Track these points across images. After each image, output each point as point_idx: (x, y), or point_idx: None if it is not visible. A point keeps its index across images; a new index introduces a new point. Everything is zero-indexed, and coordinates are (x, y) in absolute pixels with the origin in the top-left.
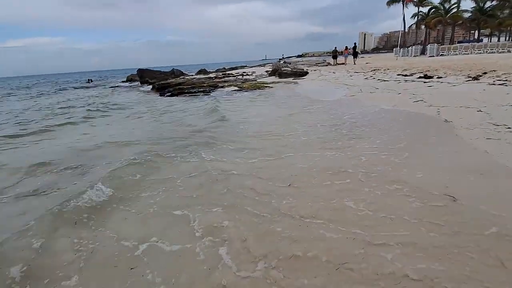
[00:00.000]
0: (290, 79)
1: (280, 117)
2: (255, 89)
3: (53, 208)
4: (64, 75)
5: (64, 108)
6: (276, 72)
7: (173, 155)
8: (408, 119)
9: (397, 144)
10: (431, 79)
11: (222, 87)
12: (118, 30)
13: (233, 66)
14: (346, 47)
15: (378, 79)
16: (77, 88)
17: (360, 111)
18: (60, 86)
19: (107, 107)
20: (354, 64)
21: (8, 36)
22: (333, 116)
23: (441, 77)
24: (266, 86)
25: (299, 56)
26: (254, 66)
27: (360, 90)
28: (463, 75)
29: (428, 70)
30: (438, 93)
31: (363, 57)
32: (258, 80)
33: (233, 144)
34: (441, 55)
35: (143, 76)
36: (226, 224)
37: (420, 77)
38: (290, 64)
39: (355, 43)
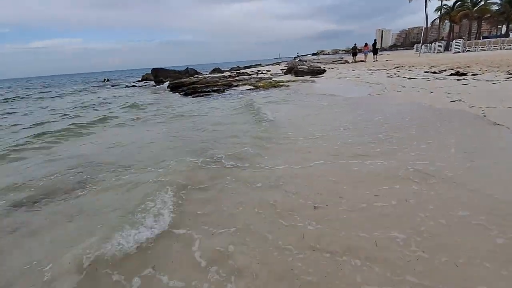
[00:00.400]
0: (307, 78)
1: (300, 117)
2: (270, 88)
3: None
4: (82, 74)
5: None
6: (292, 70)
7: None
8: (450, 120)
9: (449, 150)
10: (464, 76)
11: (236, 86)
12: (134, 30)
13: (247, 65)
14: (366, 44)
15: (404, 77)
16: (101, 87)
17: (391, 111)
18: (85, 85)
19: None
20: (375, 61)
21: (33, 37)
22: (361, 117)
23: (476, 74)
24: (282, 85)
25: (314, 54)
26: (269, 65)
27: (385, 88)
28: (502, 72)
29: (459, 67)
30: (478, 92)
31: (381, 54)
32: (273, 79)
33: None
34: (467, 51)
35: (158, 75)
36: (232, 250)
37: (451, 74)
38: (306, 62)
39: (375, 40)
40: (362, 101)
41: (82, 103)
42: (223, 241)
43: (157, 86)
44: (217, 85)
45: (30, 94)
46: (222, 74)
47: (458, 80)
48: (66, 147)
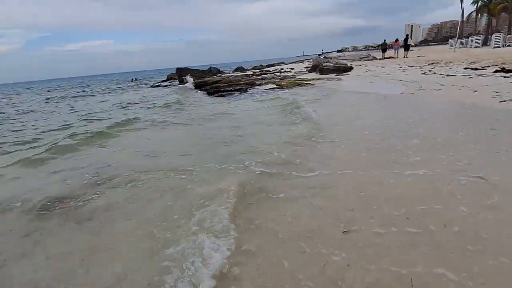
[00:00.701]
0: (333, 75)
1: (327, 117)
2: (294, 87)
3: None
4: (114, 75)
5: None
6: (317, 68)
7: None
8: (504, 122)
9: (506, 158)
10: None
11: (259, 84)
12: (160, 31)
13: (270, 63)
14: (397, 39)
15: (441, 74)
16: (132, 87)
17: (429, 111)
18: (119, 85)
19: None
20: (405, 57)
21: (69, 40)
22: (394, 118)
23: None
24: (306, 83)
25: (339, 51)
26: (292, 63)
27: (421, 86)
28: None
29: (503, 63)
30: None
31: (412, 50)
32: (297, 77)
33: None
34: (508, 45)
35: (182, 75)
36: (238, 273)
37: (497, 71)
38: (331, 59)
39: (407, 35)
40: (395, 100)
41: (120, 102)
42: (229, 260)
43: (181, 85)
44: (240, 84)
45: (75, 94)
46: (245, 73)
47: (505, 77)
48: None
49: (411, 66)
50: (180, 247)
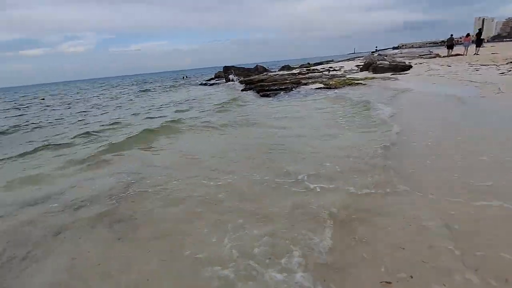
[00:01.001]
0: (388, 74)
1: (381, 125)
2: (344, 86)
3: None
4: (168, 72)
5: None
6: (370, 66)
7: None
8: None
9: None
10: None
11: (305, 84)
12: (211, 31)
13: (318, 62)
14: (468, 34)
15: None
16: (186, 85)
17: None
18: (178, 82)
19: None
20: (475, 54)
21: (131, 41)
22: (472, 132)
23: None
24: (357, 83)
25: (395, 48)
26: (342, 61)
27: (499, 89)
28: None
29: None
30: None
31: (483, 47)
32: (347, 76)
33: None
34: None
35: (228, 73)
36: None
37: None
38: (386, 56)
39: (479, 29)
40: (468, 107)
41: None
42: None
43: (227, 83)
44: (285, 83)
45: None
46: (291, 72)
47: None
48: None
49: (484, 65)
50: None
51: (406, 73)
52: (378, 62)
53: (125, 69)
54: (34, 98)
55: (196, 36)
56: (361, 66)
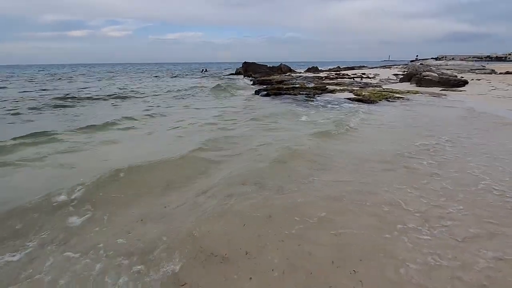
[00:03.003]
0: (437, 90)
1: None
2: (380, 100)
3: None
4: (201, 64)
5: None
6: (412, 77)
7: None
8: None
9: None
10: None
11: (332, 91)
12: (246, 27)
13: (349, 66)
14: None
15: None
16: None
17: None
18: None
19: None
20: None
21: (168, 31)
22: None
23: None
24: (398, 97)
25: (435, 59)
26: (376, 68)
27: None
28: None
29: None
30: None
31: None
32: (384, 87)
33: None
34: None
35: (248, 70)
36: None
37: None
38: (431, 67)
39: None
40: None
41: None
42: None
43: (245, 80)
44: (307, 88)
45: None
46: (318, 74)
47: None
48: None
49: None
50: None
51: (462, 91)
52: (424, 74)
53: (159, 57)
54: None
55: (231, 31)
56: (401, 76)
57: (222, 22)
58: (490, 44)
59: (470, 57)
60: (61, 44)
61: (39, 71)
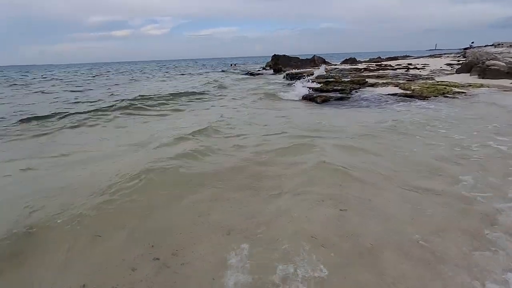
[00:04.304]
0: (507, 82)
1: None
2: (436, 96)
3: None
4: (236, 58)
5: None
6: (473, 67)
7: None
8: None
9: None
10: None
11: (373, 85)
12: (279, 19)
13: (392, 57)
14: None
15: None
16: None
17: None
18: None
19: None
20: None
21: (201, 26)
22: None
23: None
24: (458, 92)
25: (494, 45)
26: (423, 57)
27: None
28: None
29: None
30: None
31: None
32: (437, 79)
33: None
34: None
35: (277, 63)
36: None
37: None
38: (495, 55)
39: None
40: None
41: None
42: None
43: (274, 76)
44: (342, 82)
45: None
46: (356, 66)
47: None
48: None
49: None
50: None
51: None
52: (488, 63)
53: (196, 53)
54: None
55: (264, 24)
56: (457, 67)
57: (254, 16)
58: None
59: None
60: (105, 44)
61: (90, 68)
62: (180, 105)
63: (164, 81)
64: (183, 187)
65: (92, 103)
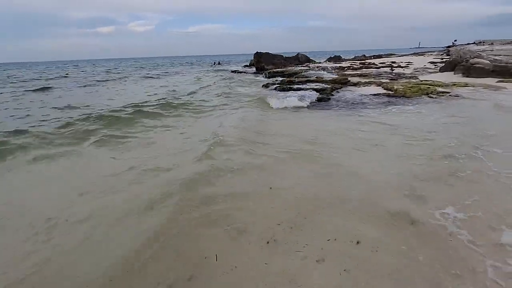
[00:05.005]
0: (492, 81)
1: None
2: (419, 96)
3: None
4: (225, 56)
5: None
6: (457, 65)
7: None
8: None
9: None
10: None
11: (355, 84)
12: (268, 16)
13: (376, 54)
14: None
15: None
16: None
17: None
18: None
19: None
20: None
21: (189, 23)
22: None
23: None
24: (442, 92)
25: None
26: (407, 55)
27: None
28: None
29: None
30: None
31: None
32: (421, 78)
33: None
34: None
35: (260, 61)
36: None
37: None
38: (479, 53)
39: None
40: None
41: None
42: None
43: (257, 76)
44: (324, 81)
45: None
46: (340, 64)
47: None
48: None
49: None
50: None
51: None
52: (472, 61)
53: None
54: None
55: (253, 22)
56: (441, 65)
57: (242, 12)
58: None
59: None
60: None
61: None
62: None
63: (121, 90)
64: None
65: None
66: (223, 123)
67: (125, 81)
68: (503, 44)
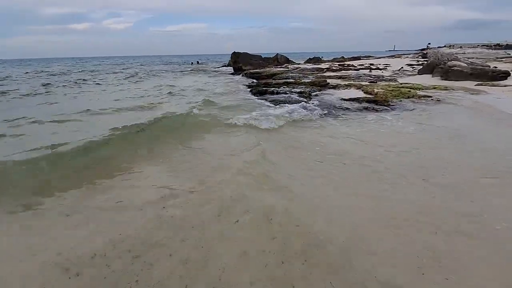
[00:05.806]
0: (471, 84)
1: None
2: (400, 101)
3: None
4: (205, 56)
5: None
6: (435, 68)
7: None
8: None
9: None
10: None
11: (334, 87)
12: (249, 16)
13: (354, 56)
14: None
15: None
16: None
17: None
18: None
19: None
20: None
21: (168, 22)
22: None
23: None
24: (424, 96)
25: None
26: (384, 57)
27: None
28: None
29: None
30: None
31: None
32: (400, 81)
33: None
34: None
35: (237, 61)
36: None
37: None
38: (456, 56)
39: None
40: None
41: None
42: None
43: (234, 77)
44: (302, 83)
45: None
46: (319, 66)
47: None
48: None
49: None
50: None
51: (507, 85)
52: (450, 63)
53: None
54: None
55: (234, 22)
56: (419, 68)
57: (224, 12)
58: (497, 32)
59: (479, 45)
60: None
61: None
62: None
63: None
64: None
65: None
66: None
67: (79, 87)
68: (472, 47)
